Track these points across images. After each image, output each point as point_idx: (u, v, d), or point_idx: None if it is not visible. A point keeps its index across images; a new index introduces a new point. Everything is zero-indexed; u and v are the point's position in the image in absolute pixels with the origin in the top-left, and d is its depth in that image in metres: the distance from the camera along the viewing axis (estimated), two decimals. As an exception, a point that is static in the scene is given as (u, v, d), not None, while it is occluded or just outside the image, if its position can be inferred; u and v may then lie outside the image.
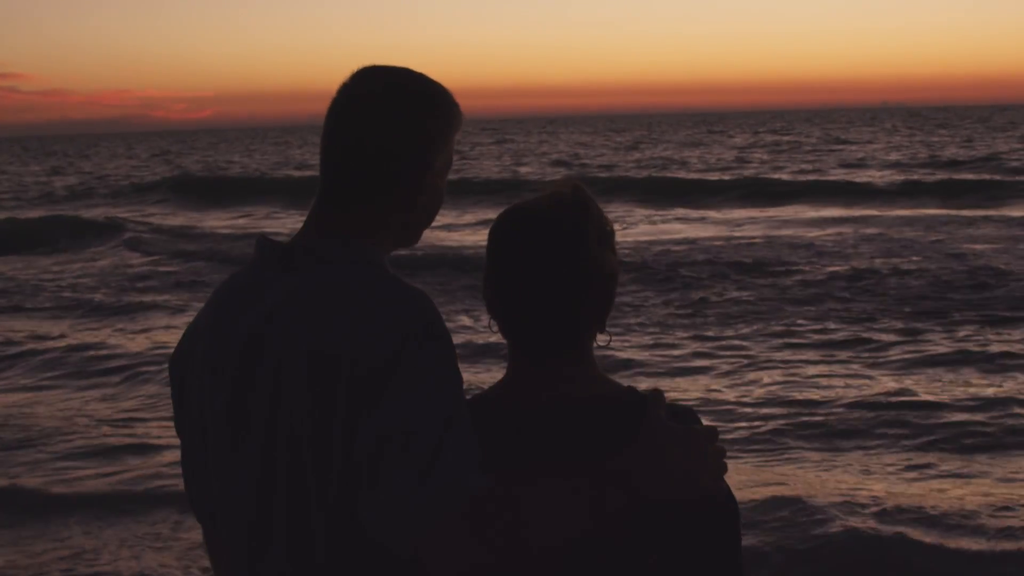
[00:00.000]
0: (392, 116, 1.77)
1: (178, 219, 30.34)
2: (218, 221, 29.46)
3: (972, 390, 9.34)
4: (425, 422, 1.58)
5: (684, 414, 1.79)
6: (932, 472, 7.37)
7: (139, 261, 20.85)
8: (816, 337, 11.69)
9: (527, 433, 1.77)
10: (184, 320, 13.05)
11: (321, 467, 1.65)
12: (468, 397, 1.75)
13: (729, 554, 1.79)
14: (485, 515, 1.55)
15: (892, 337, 11.50)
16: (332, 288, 1.70)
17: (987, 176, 32.36)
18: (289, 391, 1.68)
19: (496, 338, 1.91)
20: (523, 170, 44.57)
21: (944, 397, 9.12)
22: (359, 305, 1.66)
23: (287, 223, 27.17)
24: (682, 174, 38.26)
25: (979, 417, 8.51)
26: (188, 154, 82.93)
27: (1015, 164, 36.91)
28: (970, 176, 32.62)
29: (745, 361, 10.73)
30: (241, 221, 29.56)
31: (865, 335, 11.64)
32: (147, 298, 15.95)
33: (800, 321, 12.59)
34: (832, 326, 12.24)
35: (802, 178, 34.81)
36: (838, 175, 35.88)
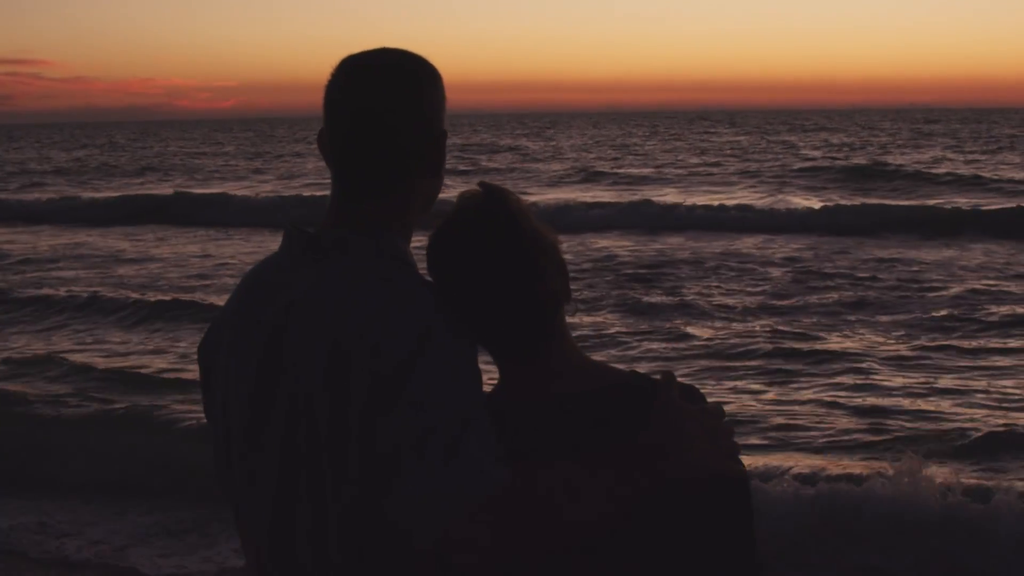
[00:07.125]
0: (401, 94, 1.76)
1: None
2: None
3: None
4: (445, 417, 1.58)
5: (691, 393, 1.77)
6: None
7: None
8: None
9: (537, 427, 1.76)
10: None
11: (337, 462, 1.64)
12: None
13: (742, 533, 1.77)
14: (506, 506, 1.56)
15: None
16: (354, 281, 1.69)
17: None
18: (307, 384, 1.67)
19: None
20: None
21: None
22: (379, 300, 1.65)
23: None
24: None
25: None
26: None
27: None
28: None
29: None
30: None
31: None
32: None
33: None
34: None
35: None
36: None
